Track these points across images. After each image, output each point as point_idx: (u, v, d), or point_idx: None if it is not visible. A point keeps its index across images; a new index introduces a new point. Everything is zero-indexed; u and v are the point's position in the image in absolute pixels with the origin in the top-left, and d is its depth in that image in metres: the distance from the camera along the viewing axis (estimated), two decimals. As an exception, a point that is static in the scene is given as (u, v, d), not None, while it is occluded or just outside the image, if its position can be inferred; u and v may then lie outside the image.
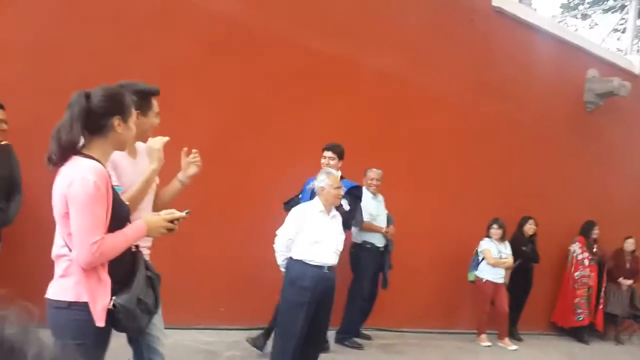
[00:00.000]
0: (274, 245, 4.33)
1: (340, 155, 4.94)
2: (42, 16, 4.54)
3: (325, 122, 5.91)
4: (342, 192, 4.45)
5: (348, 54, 6.16)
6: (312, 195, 4.54)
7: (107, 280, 2.19)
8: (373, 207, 5.89)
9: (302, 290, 4.14)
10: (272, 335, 4.59)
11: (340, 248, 4.36)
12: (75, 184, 2.08)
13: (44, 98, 4.45)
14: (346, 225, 4.63)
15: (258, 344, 4.88)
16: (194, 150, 2.87)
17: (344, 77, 6.16)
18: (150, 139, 2.72)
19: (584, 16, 19.86)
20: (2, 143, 3.74)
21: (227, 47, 5.45)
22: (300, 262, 4.24)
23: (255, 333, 5.01)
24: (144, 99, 2.66)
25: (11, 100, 4.02)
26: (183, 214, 2.41)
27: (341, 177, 4.61)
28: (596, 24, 19.67)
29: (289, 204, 4.73)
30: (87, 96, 2.18)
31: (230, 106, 5.47)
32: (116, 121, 2.23)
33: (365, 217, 5.66)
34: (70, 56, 4.64)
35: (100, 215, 2.11)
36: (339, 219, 4.44)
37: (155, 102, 2.76)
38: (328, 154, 4.93)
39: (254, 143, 5.54)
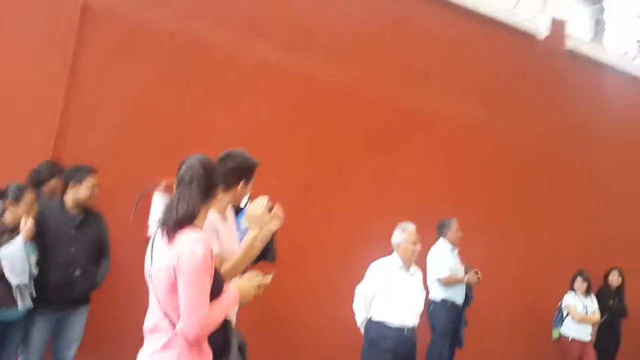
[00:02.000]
0: (353, 305, 4.26)
1: None
2: (141, 80, 4.86)
3: (406, 174, 5.90)
4: (418, 247, 4.31)
5: (424, 106, 6.15)
6: None
7: (208, 352, 2.21)
8: (453, 261, 5.71)
9: (383, 354, 4.06)
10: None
11: (421, 308, 4.26)
12: (184, 257, 2.10)
13: (139, 160, 4.71)
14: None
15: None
16: (277, 204, 2.86)
17: (423, 128, 6.16)
18: (250, 203, 2.73)
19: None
20: (94, 210, 3.87)
21: (310, 104, 5.63)
22: (380, 324, 4.16)
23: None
24: (249, 171, 2.79)
25: (106, 161, 4.26)
26: (269, 278, 2.41)
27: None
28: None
29: None
30: (206, 168, 2.26)
31: (314, 161, 5.59)
32: (220, 190, 2.33)
33: (446, 272, 5.49)
34: (166, 119, 4.91)
35: (207, 287, 2.14)
36: (419, 276, 4.32)
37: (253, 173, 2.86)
38: None
39: (337, 197, 5.58)
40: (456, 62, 6.54)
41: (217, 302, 2.19)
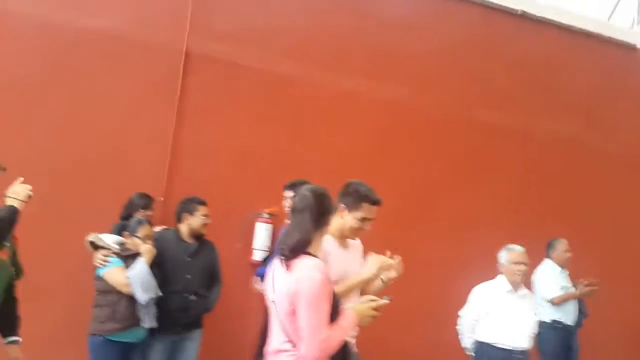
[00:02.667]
0: (457, 327, 4.23)
1: None
2: (238, 117, 5.19)
3: (498, 197, 5.80)
4: (523, 268, 4.20)
5: (516, 124, 6.05)
6: None
7: None
8: (564, 280, 5.49)
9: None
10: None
11: (534, 330, 4.14)
12: (303, 283, 2.21)
13: (240, 192, 5.02)
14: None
15: None
16: (397, 257, 2.97)
17: (514, 148, 6.03)
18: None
19: None
20: (206, 239, 4.16)
21: (396, 131, 5.70)
22: (489, 346, 4.08)
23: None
24: (363, 200, 2.94)
25: (212, 194, 4.50)
26: (386, 300, 2.48)
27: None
28: None
29: (265, 262, 4.34)
30: (317, 196, 2.39)
31: (404, 185, 5.60)
32: (331, 218, 2.45)
33: (557, 292, 5.30)
34: (256, 156, 5.20)
35: (326, 311, 2.23)
36: (530, 298, 4.20)
37: (367, 208, 2.95)
38: (290, 193, 4.10)
39: (427, 220, 5.56)
40: (544, 80, 6.39)
41: (336, 324, 2.27)
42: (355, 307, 2.44)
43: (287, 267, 2.30)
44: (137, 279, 3.60)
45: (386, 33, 5.82)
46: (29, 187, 2.98)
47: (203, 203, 4.11)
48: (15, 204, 2.92)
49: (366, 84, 5.62)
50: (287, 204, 4.11)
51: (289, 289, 2.25)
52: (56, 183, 4.61)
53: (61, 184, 4.63)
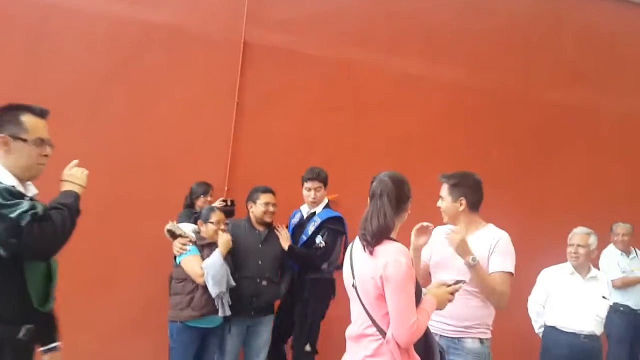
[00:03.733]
0: (528, 312, 4.17)
1: (325, 182, 4.32)
2: (298, 105, 5.26)
3: (566, 177, 5.63)
4: (582, 251, 4.09)
5: (584, 102, 5.84)
6: (293, 230, 4.31)
7: (416, 358, 2.31)
8: (625, 264, 5.34)
9: (555, 357, 3.92)
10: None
11: (602, 314, 4.02)
12: (390, 267, 2.23)
13: (297, 182, 5.06)
14: (312, 264, 4.14)
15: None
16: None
17: (583, 128, 5.83)
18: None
19: None
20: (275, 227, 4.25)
21: (458, 113, 5.62)
22: (554, 329, 4.05)
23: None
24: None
25: (274, 182, 4.54)
26: (461, 284, 2.53)
27: (326, 205, 4.31)
28: None
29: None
30: (396, 182, 2.40)
31: (466, 166, 5.51)
32: (409, 204, 2.46)
33: (617, 274, 5.15)
34: (317, 144, 5.24)
35: (413, 295, 2.26)
36: (600, 281, 4.09)
37: None
38: (312, 184, 4.25)
39: (492, 205, 5.46)
40: (612, 56, 6.13)
41: (421, 309, 2.30)
42: (433, 292, 2.45)
43: (370, 252, 2.32)
44: (210, 271, 3.71)
45: (444, 12, 5.72)
46: (86, 170, 2.63)
47: (266, 191, 4.19)
48: (76, 189, 2.55)
49: (426, 66, 5.56)
50: (310, 195, 4.24)
51: (374, 274, 2.27)
52: (125, 176, 4.81)
53: (130, 177, 4.82)
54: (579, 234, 4.13)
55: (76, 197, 2.50)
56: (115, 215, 4.74)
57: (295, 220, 4.38)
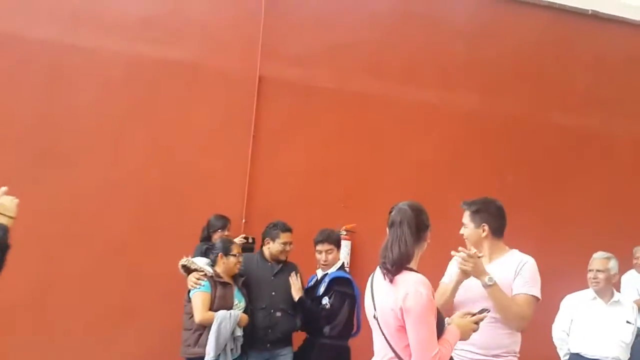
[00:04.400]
0: (553, 340, 4.13)
1: (337, 243, 4.18)
2: (314, 137, 5.34)
3: (583, 201, 5.59)
4: (594, 274, 4.05)
5: (598, 126, 5.84)
6: (306, 292, 4.14)
7: None
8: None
9: (584, 387, 3.84)
10: None
11: (627, 339, 3.94)
12: (410, 298, 2.21)
13: (319, 210, 5.12)
14: (316, 323, 3.97)
15: None
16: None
17: (598, 151, 5.82)
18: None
19: None
20: (290, 262, 4.26)
21: (469, 141, 5.65)
22: (578, 356, 3.99)
23: None
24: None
25: (291, 212, 4.67)
26: (486, 314, 2.49)
27: (340, 267, 4.15)
28: None
29: None
30: (415, 210, 2.40)
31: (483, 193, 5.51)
32: (429, 233, 2.45)
33: (634, 296, 5.07)
34: (334, 175, 5.29)
35: (434, 326, 2.23)
36: (624, 306, 4.02)
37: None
38: (322, 246, 4.11)
39: (509, 230, 5.43)
40: (628, 78, 6.15)
41: (443, 340, 2.27)
42: (457, 322, 2.43)
43: (391, 280, 2.32)
44: (219, 334, 3.64)
45: (457, 42, 5.80)
46: (16, 199, 2.41)
47: (286, 230, 4.16)
48: (5, 221, 2.34)
49: (440, 95, 5.62)
50: (322, 258, 4.12)
51: (394, 305, 2.27)
52: (144, 209, 4.89)
53: (149, 210, 4.91)
54: (598, 259, 4.10)
55: (5, 230, 2.27)
56: (133, 248, 4.81)
57: (311, 284, 4.25)
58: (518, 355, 2.87)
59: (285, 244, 4.13)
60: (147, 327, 4.62)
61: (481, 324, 2.52)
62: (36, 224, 4.72)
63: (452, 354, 2.50)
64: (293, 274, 4.08)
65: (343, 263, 4.27)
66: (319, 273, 4.22)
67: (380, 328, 2.35)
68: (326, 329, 3.96)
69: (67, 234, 4.77)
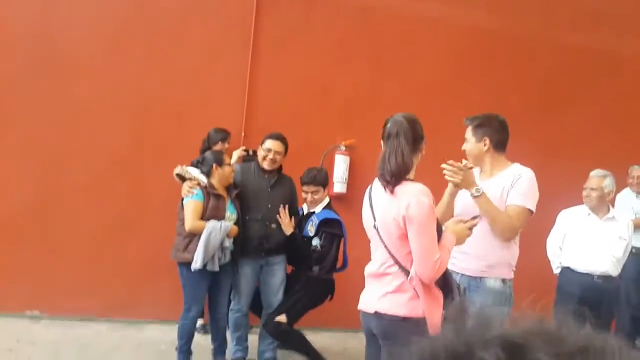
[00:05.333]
0: (547, 253, 4.24)
1: (324, 183, 4.19)
2: (314, 51, 5.20)
3: (587, 121, 5.56)
4: (587, 192, 4.09)
5: (606, 45, 5.69)
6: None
7: (438, 293, 2.37)
8: (637, 205, 5.34)
9: (568, 297, 3.93)
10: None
11: (618, 254, 4.02)
12: (413, 207, 2.27)
13: (317, 125, 5.08)
14: (306, 261, 4.08)
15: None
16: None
17: (604, 71, 5.70)
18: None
19: None
20: (284, 173, 4.26)
21: (473, 58, 5.51)
22: (569, 269, 4.09)
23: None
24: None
25: (290, 127, 4.59)
26: (478, 219, 2.56)
27: (327, 205, 4.18)
28: None
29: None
30: (411, 122, 2.41)
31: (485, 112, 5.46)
32: (424, 144, 2.46)
33: (631, 217, 5.14)
34: (334, 89, 5.20)
35: (435, 233, 2.30)
36: (618, 222, 4.09)
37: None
38: (309, 188, 4.14)
39: (510, 149, 5.42)
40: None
41: (441, 245, 2.34)
42: (452, 229, 2.49)
43: (391, 192, 2.34)
44: (205, 237, 3.69)
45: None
46: None
47: (272, 138, 4.11)
48: None
49: (444, 10, 5.41)
50: (307, 197, 4.16)
51: (396, 215, 2.31)
52: (143, 121, 4.88)
53: (148, 122, 4.91)
54: (594, 177, 4.13)
55: None
56: (134, 160, 4.85)
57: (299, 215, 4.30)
58: (514, 268, 2.93)
59: (268, 150, 4.06)
60: (149, 236, 4.74)
61: (477, 234, 2.59)
62: (36, 135, 4.73)
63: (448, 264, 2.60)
64: (281, 209, 4.07)
65: (330, 201, 4.29)
66: (305, 208, 4.27)
67: (380, 238, 2.41)
68: (315, 269, 4.08)
69: (67, 146, 4.80)
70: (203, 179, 3.88)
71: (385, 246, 2.39)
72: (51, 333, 4.52)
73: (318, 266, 4.07)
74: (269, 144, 4.07)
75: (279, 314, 3.97)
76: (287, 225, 4.06)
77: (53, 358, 4.12)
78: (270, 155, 4.06)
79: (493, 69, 5.51)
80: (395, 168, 2.33)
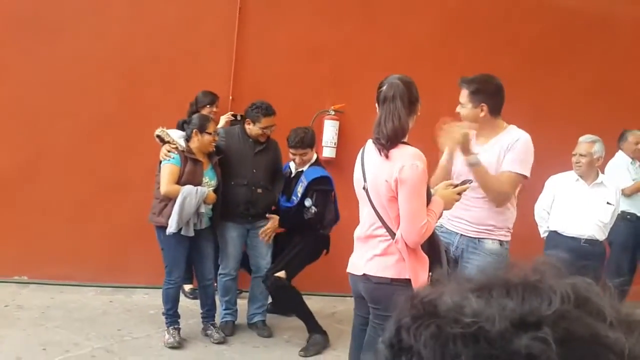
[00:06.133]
0: (535, 217, 4.25)
1: (311, 144, 4.15)
2: (303, 12, 5.08)
3: (575, 86, 5.51)
4: (583, 160, 4.09)
5: (599, 7, 5.60)
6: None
7: (424, 257, 2.37)
8: (633, 172, 5.33)
9: (556, 261, 4.00)
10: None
11: (605, 219, 4.04)
12: (406, 170, 2.26)
13: (306, 89, 5.00)
14: (314, 226, 4.11)
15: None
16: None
17: (597, 33, 5.62)
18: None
19: None
20: (271, 139, 4.23)
21: (467, 17, 5.39)
22: (556, 233, 4.13)
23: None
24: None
25: (278, 91, 4.60)
26: (468, 185, 2.55)
27: (315, 162, 4.18)
28: None
29: None
30: (407, 84, 2.37)
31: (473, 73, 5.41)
32: (419, 106, 2.43)
33: (629, 182, 5.16)
34: (324, 51, 5.08)
35: (425, 198, 2.30)
36: (606, 188, 4.10)
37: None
38: (297, 151, 4.09)
39: (509, 111, 5.40)
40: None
41: (429, 210, 2.34)
42: (440, 193, 2.47)
43: (386, 155, 2.32)
44: (182, 203, 3.64)
45: None
46: None
47: (268, 115, 4.05)
48: None
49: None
50: (295, 159, 4.13)
51: (388, 177, 2.29)
52: (130, 82, 4.80)
53: (134, 84, 4.82)
54: (583, 143, 4.11)
55: None
56: (120, 121, 4.78)
57: (285, 173, 4.29)
58: (511, 230, 2.95)
59: (265, 128, 4.06)
60: (137, 199, 4.67)
61: (474, 200, 2.58)
62: (19, 95, 4.64)
63: (446, 223, 2.61)
64: (261, 231, 4.09)
65: (317, 157, 4.27)
66: (292, 166, 4.24)
67: (369, 199, 2.39)
68: (318, 227, 4.12)
69: (51, 106, 4.73)
70: (182, 143, 3.82)
71: (374, 207, 2.38)
72: (39, 298, 4.52)
73: (320, 225, 4.12)
74: (267, 121, 4.05)
75: (279, 270, 4.01)
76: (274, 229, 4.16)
77: (41, 322, 4.12)
78: (268, 132, 4.10)
79: (484, 29, 5.41)
80: (391, 132, 2.30)
